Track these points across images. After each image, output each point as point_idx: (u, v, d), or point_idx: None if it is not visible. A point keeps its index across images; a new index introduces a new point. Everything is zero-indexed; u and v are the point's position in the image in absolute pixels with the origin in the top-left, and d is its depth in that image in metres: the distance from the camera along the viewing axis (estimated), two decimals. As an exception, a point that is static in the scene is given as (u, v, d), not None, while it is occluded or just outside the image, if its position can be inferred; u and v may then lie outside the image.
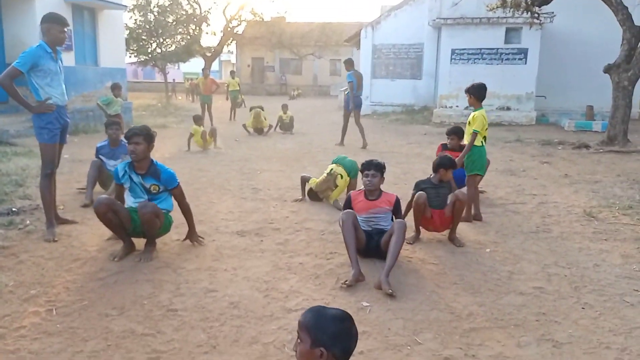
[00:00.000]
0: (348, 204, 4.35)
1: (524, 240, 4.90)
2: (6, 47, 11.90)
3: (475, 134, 5.36)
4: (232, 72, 19.07)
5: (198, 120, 10.59)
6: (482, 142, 5.45)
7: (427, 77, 18.86)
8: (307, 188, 6.36)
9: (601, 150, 10.71)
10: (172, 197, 4.43)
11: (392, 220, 4.25)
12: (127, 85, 16.57)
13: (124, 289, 3.58)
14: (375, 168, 4.27)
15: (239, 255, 4.37)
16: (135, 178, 4.26)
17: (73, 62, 13.07)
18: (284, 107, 13.97)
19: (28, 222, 5.01)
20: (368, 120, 17.59)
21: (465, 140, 5.60)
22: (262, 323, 3.17)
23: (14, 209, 5.37)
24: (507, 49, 16.05)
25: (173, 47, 28.32)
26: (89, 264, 4.04)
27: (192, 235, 4.57)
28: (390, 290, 3.56)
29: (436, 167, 4.86)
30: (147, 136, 4.21)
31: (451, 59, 16.41)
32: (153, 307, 3.32)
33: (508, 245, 4.77)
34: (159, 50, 27.57)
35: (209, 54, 30.48)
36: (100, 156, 6.39)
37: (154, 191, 4.29)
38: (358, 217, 4.16)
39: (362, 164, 4.43)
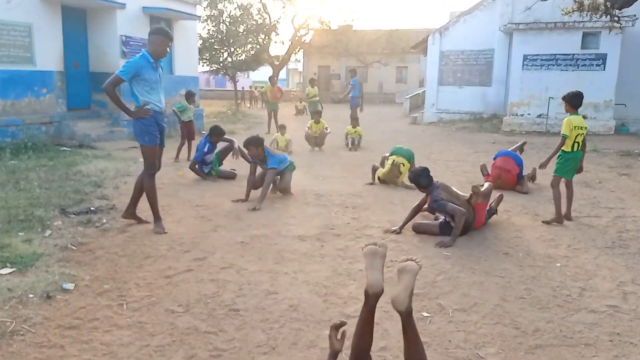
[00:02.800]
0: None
1: (598, 256, 4.64)
2: (90, 57, 12.73)
3: (563, 138, 5.65)
4: (312, 80, 16.88)
5: (282, 129, 11.19)
6: (572, 147, 5.67)
7: (496, 84, 18.29)
8: (376, 176, 7.81)
9: (689, 163, 9.93)
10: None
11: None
12: (200, 93, 17.21)
13: (189, 287, 3.72)
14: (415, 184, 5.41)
15: (300, 259, 4.42)
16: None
17: (150, 70, 13.76)
18: (354, 122, 12.30)
19: (104, 220, 5.33)
20: (434, 128, 17.33)
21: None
22: (321, 327, 3.19)
23: (92, 208, 5.73)
24: (584, 54, 15.27)
25: (243, 56, 29.17)
26: (158, 261, 4.23)
27: (260, 201, 6.23)
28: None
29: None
30: (256, 143, 6.45)
31: (523, 65, 15.82)
32: (216, 306, 3.43)
33: (580, 260, 4.53)
34: (229, 59, 28.49)
35: (276, 63, 31.16)
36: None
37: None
38: None
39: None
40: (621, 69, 15.06)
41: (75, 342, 2.93)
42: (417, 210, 5.49)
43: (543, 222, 5.76)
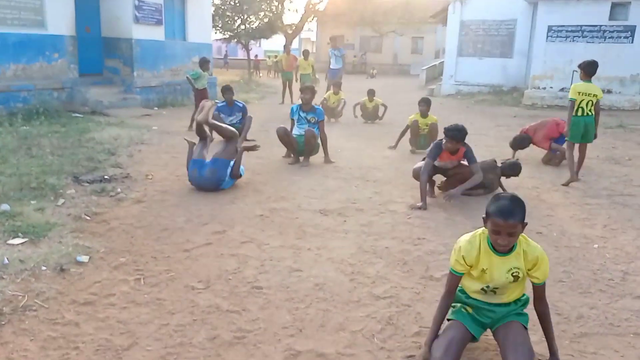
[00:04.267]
0: (436, 152, 5.20)
1: (637, 237, 4.38)
2: (102, 22, 12.41)
3: (572, 102, 6.02)
4: (305, 52, 15.47)
5: (337, 86, 11.71)
6: (576, 112, 6.01)
7: (518, 55, 17.72)
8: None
9: None
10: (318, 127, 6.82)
11: None
12: (213, 62, 16.87)
13: (209, 263, 3.54)
14: (451, 136, 5.09)
15: (322, 234, 4.22)
16: (302, 114, 6.90)
17: (163, 36, 13.45)
18: (370, 93, 11.46)
19: (119, 189, 5.15)
20: (452, 101, 16.91)
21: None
22: (349, 309, 3.00)
23: (106, 177, 5.55)
24: (612, 26, 14.65)
25: (257, 24, 28.60)
26: (176, 234, 4.05)
27: (326, 159, 6.96)
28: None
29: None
30: (312, 91, 6.95)
31: (547, 36, 15.24)
32: (238, 283, 3.25)
33: (619, 241, 4.28)
34: (243, 27, 27.95)
35: (290, 32, 30.52)
36: (220, 113, 8.00)
37: (312, 121, 6.84)
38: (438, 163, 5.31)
39: (446, 130, 5.15)
40: (650, 42, 14.46)
41: (91, 319, 2.76)
42: (429, 179, 5.33)
43: (562, 184, 6.11)
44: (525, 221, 2.33)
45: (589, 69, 6.04)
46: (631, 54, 14.49)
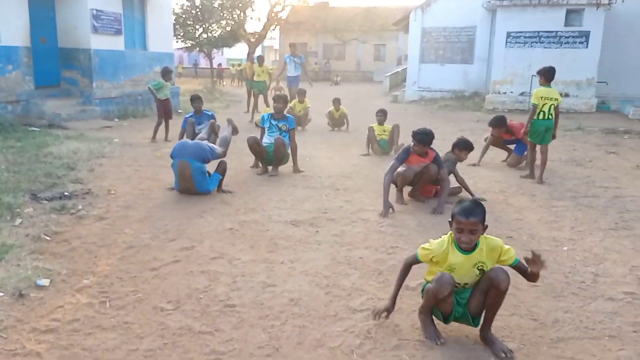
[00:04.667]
0: (404, 157, 5.30)
1: (604, 238, 4.47)
2: (59, 32, 12.01)
3: (533, 107, 6.44)
4: (259, 58, 14.50)
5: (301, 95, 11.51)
6: (538, 115, 6.43)
7: (479, 61, 18.10)
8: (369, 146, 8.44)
9: (673, 140, 9.94)
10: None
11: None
12: (175, 71, 16.56)
13: (178, 281, 3.41)
14: (418, 140, 5.28)
15: (295, 246, 4.13)
16: (274, 122, 6.83)
17: (123, 46, 13.11)
18: (336, 102, 11.40)
19: (80, 206, 4.93)
20: (416, 107, 17.11)
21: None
22: (326, 324, 2.92)
23: (65, 193, 5.32)
24: (567, 31, 15.14)
25: (219, 32, 28.35)
26: (142, 252, 3.89)
27: (295, 168, 6.90)
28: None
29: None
30: (285, 100, 6.94)
31: (506, 42, 15.63)
32: (209, 302, 3.13)
33: (586, 243, 4.35)
34: (205, 36, 27.65)
35: (253, 40, 30.36)
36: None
37: (284, 129, 6.81)
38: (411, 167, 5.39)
39: (414, 134, 5.37)
40: (603, 47, 15.01)
41: (54, 347, 2.59)
42: (399, 185, 5.53)
43: (521, 176, 6.73)
44: (486, 224, 2.65)
45: (548, 75, 6.49)
46: (586, 58, 15.01)
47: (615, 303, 3.25)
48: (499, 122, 7.58)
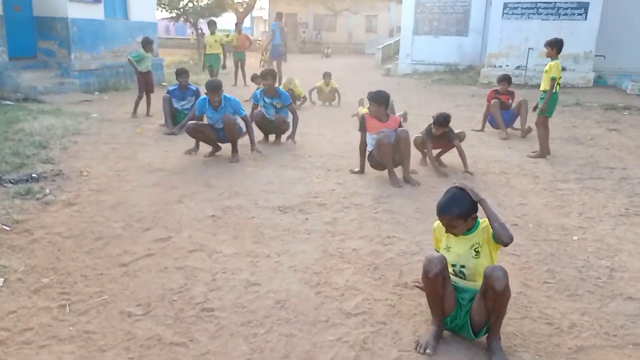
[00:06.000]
0: (363, 125, 5.31)
1: (615, 226, 4.15)
2: (34, 0, 11.34)
3: (553, 80, 6.11)
4: (210, 24, 12.47)
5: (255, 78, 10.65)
6: (556, 88, 6.19)
7: (474, 33, 17.54)
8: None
9: (675, 117, 9.62)
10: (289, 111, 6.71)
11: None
12: (159, 42, 15.85)
13: (150, 279, 3.03)
14: (374, 100, 5.26)
15: (283, 236, 3.77)
16: (267, 100, 6.64)
17: (102, 15, 12.43)
18: (327, 77, 10.83)
19: (48, 190, 4.51)
20: (409, 80, 16.62)
21: (543, 87, 6.30)
22: (317, 331, 2.57)
23: (33, 175, 4.89)
24: (566, 2, 14.59)
25: (205, 1, 27.39)
26: (112, 244, 3.51)
27: (292, 137, 6.83)
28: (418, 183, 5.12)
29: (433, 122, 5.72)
30: (273, 75, 6.62)
31: (503, 13, 15.06)
32: (184, 305, 2.76)
33: (597, 231, 4.03)
34: (190, 5, 26.70)
35: (241, 10, 29.40)
36: (171, 97, 7.58)
37: (279, 106, 6.63)
38: (369, 135, 5.27)
39: (368, 96, 5.50)
40: (601, 19, 14.53)
41: (-1, 365, 2.23)
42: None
43: (528, 156, 6.46)
44: (475, 215, 2.48)
45: (561, 47, 6.20)
46: (585, 30, 14.52)
47: (636, 303, 2.94)
48: (506, 78, 7.99)
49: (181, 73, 7.69)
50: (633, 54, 15.04)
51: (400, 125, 5.25)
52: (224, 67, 12.27)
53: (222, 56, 12.25)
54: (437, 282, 2.38)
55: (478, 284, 2.46)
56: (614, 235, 3.96)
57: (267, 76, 6.56)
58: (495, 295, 2.28)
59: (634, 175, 5.67)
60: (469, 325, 2.41)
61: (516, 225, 4.10)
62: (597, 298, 3.00)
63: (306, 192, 4.84)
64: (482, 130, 8.08)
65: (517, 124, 8.01)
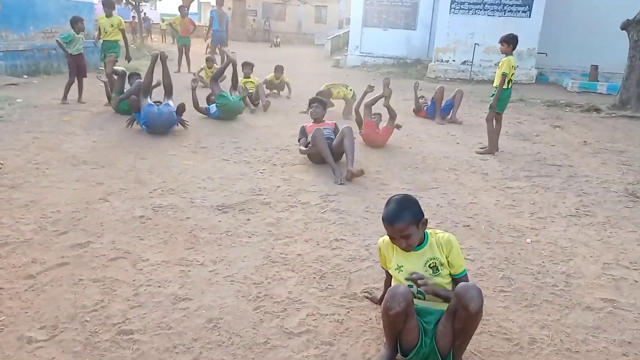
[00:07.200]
0: (303, 132, 5.60)
1: (567, 227, 4.04)
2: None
3: (504, 76, 6.11)
4: (106, 4, 8.51)
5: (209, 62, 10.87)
6: (508, 85, 6.23)
7: (421, 27, 17.57)
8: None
9: (614, 115, 9.87)
10: None
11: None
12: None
13: (60, 295, 2.60)
14: (319, 102, 5.80)
15: (220, 240, 3.41)
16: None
17: (31, -8, 11.50)
18: (278, 71, 10.30)
19: (-52, 186, 3.93)
20: (358, 72, 16.43)
21: (495, 83, 6.31)
22: (253, 356, 2.24)
23: None
24: (511, 0, 14.84)
25: (148, -16, 26.13)
26: (19, 251, 3.03)
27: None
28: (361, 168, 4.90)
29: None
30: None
31: (450, 8, 15.11)
32: (99, 327, 2.36)
33: (550, 232, 3.91)
34: (132, -14, 25.36)
35: (187, -7, 28.29)
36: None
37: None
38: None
39: (310, 99, 6.03)
40: (544, 18, 14.84)
41: None
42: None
43: (476, 152, 6.41)
44: (425, 217, 2.27)
45: (515, 43, 6.17)
46: (528, 28, 14.76)
47: (595, 314, 2.78)
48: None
49: (132, 75, 7.95)
50: (573, 53, 15.48)
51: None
52: (128, 58, 9.10)
53: (122, 44, 8.89)
54: (397, 319, 2.08)
55: (442, 302, 2.21)
56: (566, 237, 3.84)
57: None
58: (467, 317, 2.02)
59: (580, 173, 5.66)
60: (436, 352, 2.15)
61: (468, 226, 3.92)
62: (555, 309, 2.82)
63: (249, 189, 4.48)
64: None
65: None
